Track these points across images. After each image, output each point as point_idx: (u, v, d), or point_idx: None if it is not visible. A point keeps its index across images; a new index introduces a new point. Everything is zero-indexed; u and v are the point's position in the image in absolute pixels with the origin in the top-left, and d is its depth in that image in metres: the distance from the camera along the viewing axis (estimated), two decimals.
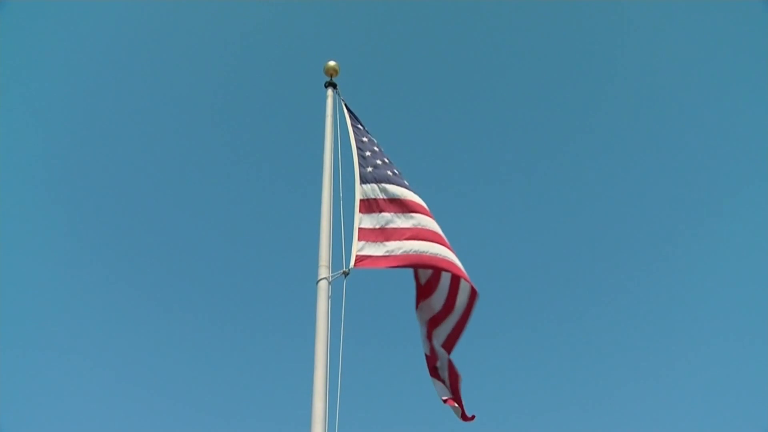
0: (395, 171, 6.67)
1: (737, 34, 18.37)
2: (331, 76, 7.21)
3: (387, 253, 5.97)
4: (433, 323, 6.41)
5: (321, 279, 5.64)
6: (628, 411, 16.74)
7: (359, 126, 7.02)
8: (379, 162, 6.62)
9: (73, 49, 18.82)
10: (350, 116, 7.01)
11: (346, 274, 5.69)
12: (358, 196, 6.23)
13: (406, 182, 6.59)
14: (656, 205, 19.99)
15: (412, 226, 6.18)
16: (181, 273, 19.11)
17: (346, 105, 7.09)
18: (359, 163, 6.51)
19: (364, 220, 6.08)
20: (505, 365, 18.12)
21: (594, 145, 21.26)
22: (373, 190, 6.34)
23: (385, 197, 6.32)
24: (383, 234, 6.10)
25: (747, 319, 16.79)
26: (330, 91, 7.08)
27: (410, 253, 5.99)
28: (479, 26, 21.87)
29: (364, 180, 6.38)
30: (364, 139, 6.85)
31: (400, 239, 6.07)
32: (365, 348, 16.21)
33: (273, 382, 17.30)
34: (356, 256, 5.81)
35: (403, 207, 6.30)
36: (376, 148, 6.80)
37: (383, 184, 6.39)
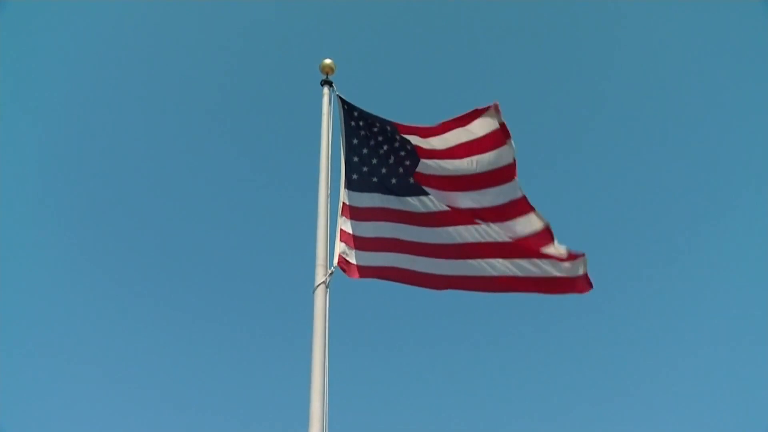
0: (395, 171, 6.55)
1: (737, 34, 18.23)
2: (327, 74, 7.09)
3: (373, 264, 6.21)
4: None
5: (319, 283, 5.64)
6: (629, 411, 16.75)
7: (360, 122, 6.73)
8: (374, 161, 6.59)
9: (73, 49, 18.82)
10: (346, 112, 6.79)
11: (330, 273, 5.79)
12: (341, 199, 6.36)
13: (411, 179, 6.48)
14: (657, 205, 19.91)
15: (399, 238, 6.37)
16: (175, 272, 19.10)
17: (342, 100, 6.86)
18: (346, 167, 6.55)
19: (345, 224, 6.26)
20: (505, 365, 18.13)
21: (595, 145, 21.16)
22: (360, 198, 6.48)
23: (371, 206, 6.46)
24: (371, 243, 6.30)
25: (748, 319, 16.74)
26: (326, 90, 6.92)
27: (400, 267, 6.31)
28: (478, 22, 21.76)
29: (349, 185, 6.48)
30: (364, 133, 6.67)
31: (387, 251, 6.34)
32: (362, 347, 16.23)
33: (270, 382, 17.33)
34: (339, 256, 5.96)
35: (390, 215, 6.46)
36: (372, 143, 6.64)
37: (373, 193, 6.53)
